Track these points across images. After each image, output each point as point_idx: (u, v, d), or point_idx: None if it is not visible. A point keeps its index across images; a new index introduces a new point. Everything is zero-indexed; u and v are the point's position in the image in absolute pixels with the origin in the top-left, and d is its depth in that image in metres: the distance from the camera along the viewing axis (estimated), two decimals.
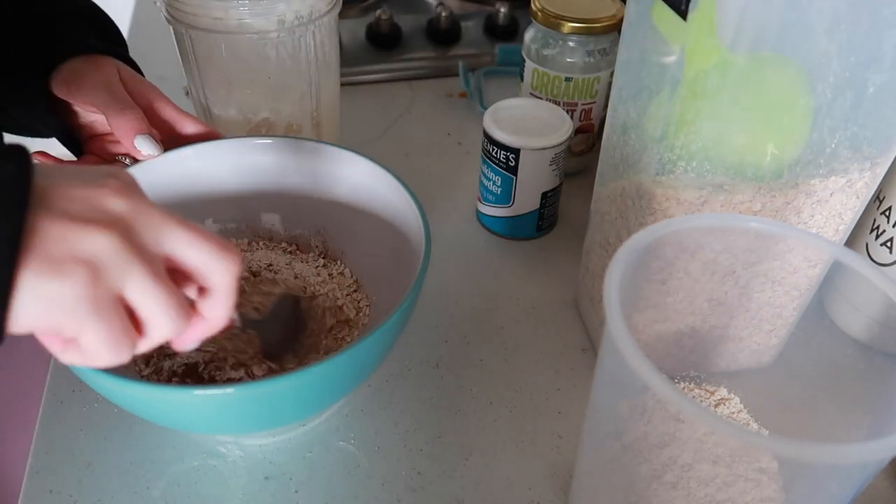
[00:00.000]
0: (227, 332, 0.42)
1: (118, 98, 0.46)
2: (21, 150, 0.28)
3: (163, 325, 0.31)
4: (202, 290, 0.32)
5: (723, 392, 0.45)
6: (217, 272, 0.32)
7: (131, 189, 0.30)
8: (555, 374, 0.51)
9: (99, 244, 0.28)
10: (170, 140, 0.49)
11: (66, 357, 0.30)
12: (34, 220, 0.27)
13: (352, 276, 0.51)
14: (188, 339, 0.33)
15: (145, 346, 0.31)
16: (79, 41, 0.48)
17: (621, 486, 0.36)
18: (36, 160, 0.31)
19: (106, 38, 0.52)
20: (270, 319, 0.45)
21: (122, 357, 0.30)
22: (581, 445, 0.39)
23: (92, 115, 0.49)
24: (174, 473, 0.44)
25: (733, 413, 0.44)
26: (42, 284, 0.27)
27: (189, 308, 0.32)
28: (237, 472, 0.44)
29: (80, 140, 0.50)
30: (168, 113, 0.49)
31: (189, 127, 0.50)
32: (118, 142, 0.50)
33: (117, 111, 0.45)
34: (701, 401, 0.45)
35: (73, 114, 0.49)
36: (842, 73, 0.35)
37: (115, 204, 0.29)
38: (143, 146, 0.46)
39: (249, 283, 0.49)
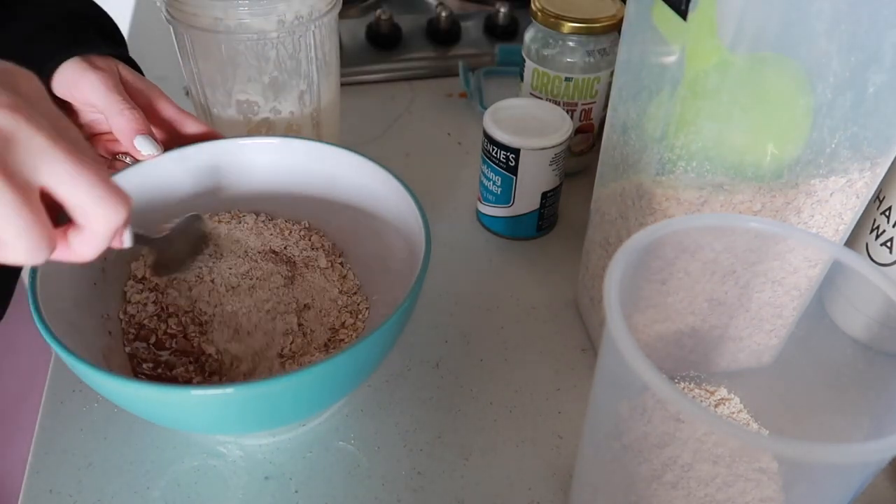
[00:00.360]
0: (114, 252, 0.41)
1: (118, 98, 0.45)
2: None
3: (17, 252, 0.29)
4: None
5: (723, 392, 0.45)
6: (96, 218, 0.30)
7: (22, 106, 0.28)
8: (555, 374, 0.51)
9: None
10: (170, 140, 0.49)
11: None
12: None
13: (354, 278, 0.51)
14: (75, 255, 0.32)
15: None
16: (79, 41, 0.48)
17: (621, 486, 0.36)
18: None
19: (106, 37, 0.52)
20: (168, 237, 0.44)
21: None
22: (581, 445, 0.39)
23: (92, 115, 0.49)
24: (174, 473, 0.44)
25: (733, 413, 0.44)
26: None
27: (53, 238, 0.30)
28: (237, 472, 0.44)
29: None
30: (168, 112, 0.49)
31: (189, 127, 0.50)
32: (118, 141, 0.50)
33: (117, 111, 0.45)
34: (701, 401, 0.45)
35: (73, 113, 0.49)
36: (842, 73, 0.35)
37: None
38: (143, 146, 0.46)
39: None
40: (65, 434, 0.45)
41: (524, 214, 0.60)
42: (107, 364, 0.42)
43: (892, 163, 0.40)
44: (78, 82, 0.46)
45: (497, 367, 0.51)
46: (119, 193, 0.31)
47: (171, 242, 0.44)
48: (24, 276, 0.66)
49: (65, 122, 0.31)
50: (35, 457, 0.44)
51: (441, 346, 0.52)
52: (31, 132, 0.28)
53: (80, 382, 0.47)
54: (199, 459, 0.44)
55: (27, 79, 0.30)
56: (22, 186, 0.28)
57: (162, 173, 0.48)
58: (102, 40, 0.50)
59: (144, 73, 0.51)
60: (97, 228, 0.31)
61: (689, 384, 0.46)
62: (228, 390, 0.34)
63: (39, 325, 0.37)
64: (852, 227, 0.43)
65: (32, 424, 0.46)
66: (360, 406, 0.48)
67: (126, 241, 0.36)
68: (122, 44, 0.53)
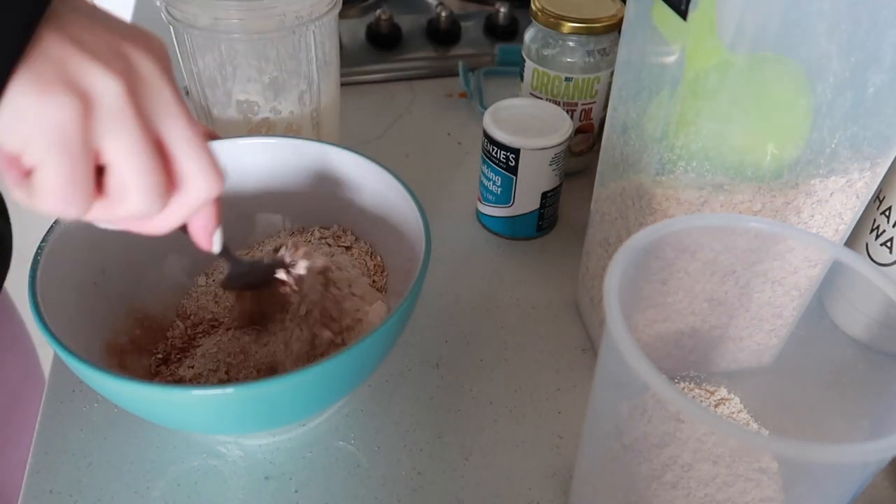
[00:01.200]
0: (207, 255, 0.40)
1: None
2: None
3: (134, 199, 0.28)
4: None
5: (723, 392, 0.45)
6: (195, 186, 0.30)
7: (160, 54, 0.28)
8: (555, 374, 0.51)
9: (100, 83, 0.26)
10: None
11: (16, 193, 0.27)
12: (40, 36, 0.25)
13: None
14: (153, 225, 0.31)
15: (102, 213, 0.29)
16: None
17: (621, 486, 0.36)
18: None
19: None
20: (252, 264, 0.43)
21: (71, 208, 0.27)
22: (581, 445, 0.39)
23: None
24: (174, 473, 0.44)
25: (733, 413, 0.44)
26: (25, 99, 0.25)
27: (169, 191, 0.29)
28: (237, 472, 0.44)
29: None
30: None
31: None
32: None
33: None
34: (701, 401, 0.45)
35: None
36: (842, 73, 0.35)
37: (139, 60, 0.27)
38: None
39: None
40: (65, 434, 0.45)
41: (524, 214, 0.60)
42: (107, 364, 0.42)
43: (892, 163, 0.40)
44: None
45: (497, 367, 0.51)
46: (220, 169, 0.30)
47: (253, 269, 0.43)
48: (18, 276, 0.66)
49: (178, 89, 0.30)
50: (35, 457, 0.44)
51: (441, 346, 0.52)
52: (163, 83, 0.28)
53: (80, 382, 0.47)
54: (199, 459, 0.44)
55: (160, 43, 0.30)
56: (146, 126, 0.28)
57: None
58: None
59: None
60: (192, 195, 0.30)
61: (689, 384, 0.46)
62: (228, 390, 0.34)
63: (39, 325, 0.37)
64: (852, 227, 0.43)
65: (32, 424, 0.46)
66: (360, 406, 0.48)
67: (216, 244, 0.35)
68: None
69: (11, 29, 0.24)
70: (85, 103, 0.26)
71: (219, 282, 0.46)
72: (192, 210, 0.31)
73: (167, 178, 0.29)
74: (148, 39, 0.29)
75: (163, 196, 0.29)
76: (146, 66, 0.28)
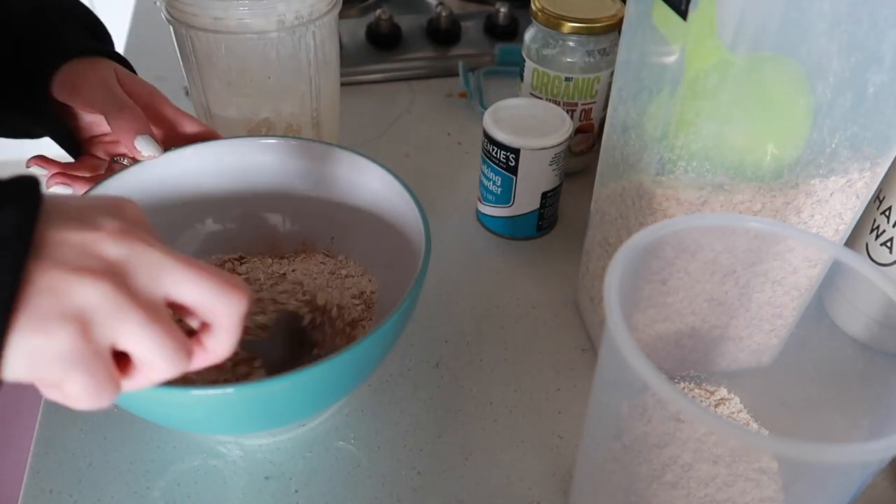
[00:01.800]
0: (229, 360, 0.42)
1: (117, 99, 0.45)
2: (29, 188, 0.27)
3: (160, 368, 0.30)
4: (205, 324, 0.31)
5: (723, 392, 0.45)
6: (221, 311, 0.31)
7: (130, 230, 0.29)
8: (555, 374, 0.51)
9: (90, 296, 0.27)
10: (169, 140, 0.49)
11: (50, 396, 0.29)
12: (29, 271, 0.26)
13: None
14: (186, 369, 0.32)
15: (139, 383, 0.30)
16: (75, 43, 0.47)
17: (621, 486, 0.36)
18: (34, 170, 0.30)
19: (97, 37, 0.52)
20: (272, 339, 0.45)
21: (104, 402, 0.29)
22: (581, 445, 0.39)
23: (90, 116, 0.49)
24: (174, 473, 0.44)
25: (733, 413, 0.44)
26: (29, 341, 0.26)
27: (189, 346, 0.31)
28: (237, 472, 0.44)
29: (78, 141, 0.50)
30: (167, 112, 0.49)
31: (188, 126, 0.50)
32: (117, 142, 0.50)
33: (116, 111, 0.45)
34: (701, 401, 0.45)
35: (72, 115, 0.49)
36: (842, 73, 0.35)
37: (111, 249, 0.28)
38: (143, 146, 0.45)
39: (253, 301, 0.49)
40: (65, 434, 0.45)
41: (524, 214, 0.60)
42: None
43: (892, 163, 0.40)
44: (77, 85, 0.46)
45: (497, 367, 0.51)
46: (236, 283, 0.31)
47: (275, 345, 0.45)
48: None
49: (159, 243, 0.31)
50: (35, 457, 0.44)
51: (441, 346, 0.52)
52: (143, 250, 0.29)
53: None
54: (199, 459, 0.44)
55: (130, 205, 0.31)
56: (148, 304, 0.29)
57: (160, 174, 0.48)
58: (95, 41, 0.50)
59: (144, 73, 0.51)
60: (225, 322, 0.31)
61: (689, 384, 0.46)
62: (228, 390, 0.34)
63: None
64: (852, 227, 0.43)
65: (32, 424, 0.46)
66: (360, 406, 0.48)
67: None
68: (111, 42, 0.53)
69: (3, 279, 0.25)
70: (82, 323, 0.27)
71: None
72: (235, 330, 0.31)
73: (184, 336, 0.30)
74: (114, 217, 0.29)
75: (186, 353, 0.30)
76: (123, 252, 0.28)
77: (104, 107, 0.45)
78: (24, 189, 0.27)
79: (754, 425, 0.43)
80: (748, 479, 0.34)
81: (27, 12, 0.48)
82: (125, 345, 0.29)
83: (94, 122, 0.49)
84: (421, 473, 0.44)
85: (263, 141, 0.50)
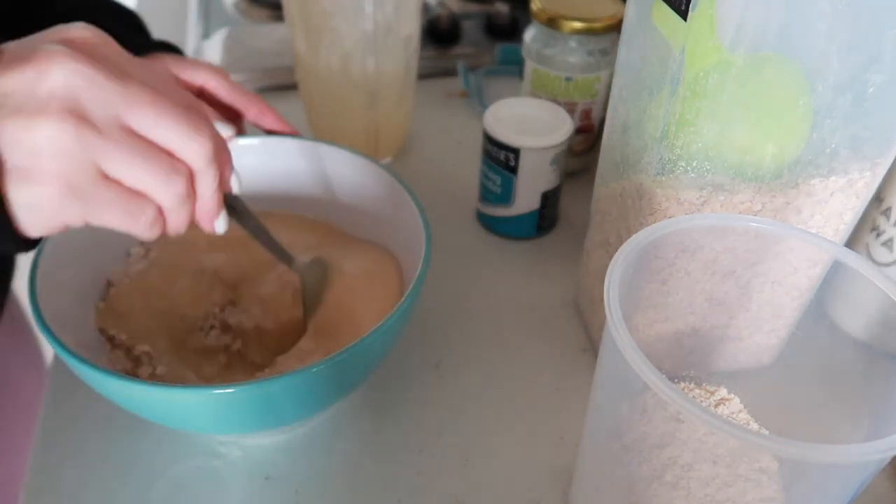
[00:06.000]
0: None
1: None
2: None
3: (158, 189, 0.29)
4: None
5: (723, 392, 0.45)
6: (188, 154, 0.30)
7: (75, 57, 0.28)
8: (555, 374, 0.51)
9: (54, 139, 0.27)
10: (236, 122, 0.50)
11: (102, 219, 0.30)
12: None
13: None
14: (200, 215, 0.33)
15: (156, 209, 0.31)
16: (125, 43, 0.47)
17: (621, 486, 0.36)
18: None
19: (140, 31, 0.51)
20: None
21: (142, 224, 0.30)
22: (581, 445, 0.39)
23: None
24: (174, 473, 0.44)
25: (733, 413, 0.44)
26: (25, 193, 0.26)
27: (176, 164, 0.30)
28: (237, 472, 0.44)
29: None
30: (221, 96, 0.49)
31: (251, 109, 0.49)
32: None
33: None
34: (701, 401, 0.45)
35: None
36: (842, 73, 0.35)
37: (55, 83, 0.27)
38: (220, 131, 0.46)
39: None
40: (65, 434, 0.45)
41: (524, 214, 0.60)
42: (108, 363, 0.42)
43: (892, 163, 0.40)
44: None
45: (497, 367, 0.51)
46: (198, 122, 0.31)
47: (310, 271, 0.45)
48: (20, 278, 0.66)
49: (124, 55, 0.30)
50: (35, 457, 0.44)
51: (441, 346, 0.52)
52: (93, 81, 0.28)
53: (80, 383, 0.47)
54: (199, 459, 0.44)
55: (79, 28, 0.30)
56: (116, 136, 0.28)
57: None
58: (140, 35, 0.50)
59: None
60: (195, 162, 0.31)
61: (689, 384, 0.45)
62: (229, 390, 0.34)
63: (39, 324, 0.37)
64: (852, 227, 0.43)
65: (32, 424, 0.46)
66: (360, 406, 0.48)
67: (234, 185, 0.36)
68: (148, 32, 0.53)
69: None
70: (60, 163, 0.27)
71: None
72: (207, 169, 0.31)
73: (166, 156, 0.30)
74: (65, 32, 0.29)
75: (175, 168, 0.30)
76: (70, 85, 0.27)
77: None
78: None
79: (754, 425, 0.43)
80: (748, 479, 0.34)
81: (64, 13, 0.48)
82: (113, 174, 0.28)
83: None
84: (421, 473, 0.44)
85: (263, 141, 0.50)
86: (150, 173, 0.29)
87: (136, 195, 0.30)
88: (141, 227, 0.30)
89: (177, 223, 0.32)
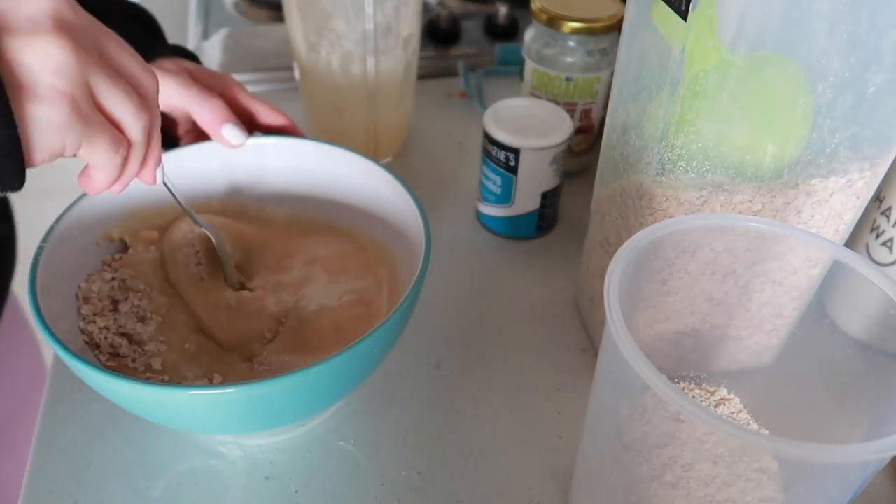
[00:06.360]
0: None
1: (197, 93, 0.46)
2: None
3: (132, 120, 0.32)
4: None
5: (723, 392, 0.45)
6: (146, 91, 0.33)
7: (64, 31, 0.29)
8: (555, 374, 0.51)
9: (54, 55, 0.28)
10: (249, 127, 0.50)
11: (83, 182, 0.32)
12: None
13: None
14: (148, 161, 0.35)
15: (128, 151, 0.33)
16: (142, 48, 0.48)
17: (621, 486, 0.36)
18: None
19: (156, 35, 0.52)
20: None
21: (118, 158, 0.31)
22: (581, 445, 0.39)
23: (169, 117, 0.50)
24: (174, 473, 0.44)
25: (733, 413, 0.44)
26: (38, 110, 0.28)
27: (144, 99, 0.33)
28: (237, 472, 0.44)
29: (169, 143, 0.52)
30: (241, 100, 0.50)
31: (264, 115, 0.51)
32: (199, 137, 0.50)
33: (199, 106, 0.46)
34: (701, 401, 0.45)
35: None
36: (842, 73, 0.35)
37: (42, 2, 0.28)
38: (231, 134, 0.46)
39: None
40: (65, 434, 0.45)
41: (524, 214, 0.60)
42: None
43: (892, 163, 0.40)
44: None
45: (497, 367, 0.51)
46: (145, 97, 0.33)
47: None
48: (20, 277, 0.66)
49: (99, 27, 0.32)
50: (35, 457, 0.44)
51: (441, 346, 0.52)
52: (77, 8, 0.30)
53: (80, 383, 0.47)
54: (199, 459, 0.44)
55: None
56: (100, 58, 0.30)
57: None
58: (157, 40, 0.50)
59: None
60: (150, 98, 0.33)
61: (689, 384, 0.45)
62: (229, 390, 0.34)
63: (39, 324, 0.37)
64: (852, 227, 0.43)
65: (32, 424, 0.46)
66: (360, 406, 0.48)
67: (158, 177, 0.38)
68: (164, 36, 0.53)
69: None
70: (64, 84, 0.28)
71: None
72: (140, 145, 0.34)
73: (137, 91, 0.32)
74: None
75: (145, 108, 0.32)
76: (63, 5, 0.29)
77: (187, 104, 0.46)
78: None
79: (754, 425, 0.43)
80: (748, 479, 0.34)
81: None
82: (100, 98, 0.30)
83: (174, 122, 0.50)
84: (421, 473, 0.44)
85: (264, 141, 0.51)
86: (128, 103, 0.31)
87: (116, 125, 0.31)
88: (116, 162, 0.32)
89: (133, 167, 0.34)
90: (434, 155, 0.71)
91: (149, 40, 0.49)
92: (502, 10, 0.85)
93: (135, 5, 0.53)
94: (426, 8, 0.89)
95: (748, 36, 0.33)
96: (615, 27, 0.60)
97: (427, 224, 0.44)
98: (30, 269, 0.40)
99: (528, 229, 0.61)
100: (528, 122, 0.58)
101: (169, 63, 0.48)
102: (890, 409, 0.32)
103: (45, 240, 0.41)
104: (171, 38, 0.56)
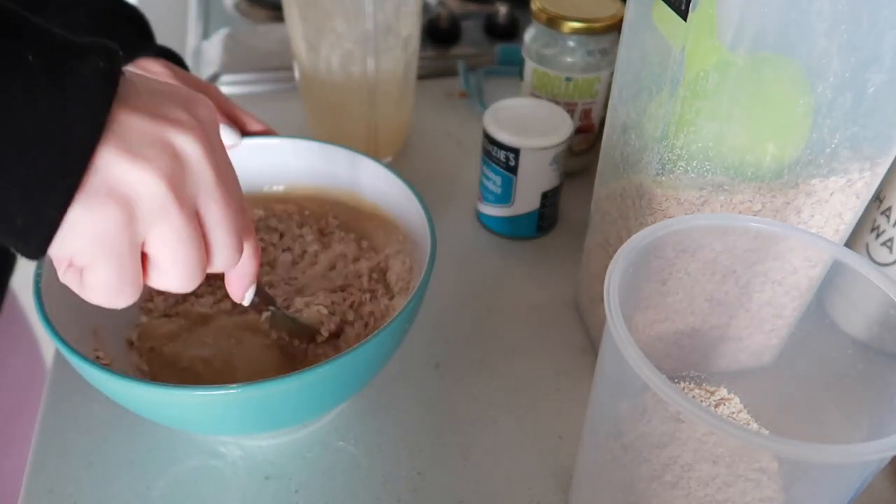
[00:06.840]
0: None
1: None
2: (111, 49, 0.26)
3: (173, 279, 0.30)
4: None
5: (723, 392, 0.45)
6: (217, 259, 0.31)
7: (198, 128, 0.29)
8: (555, 374, 0.51)
9: (143, 186, 0.27)
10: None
11: (66, 279, 0.29)
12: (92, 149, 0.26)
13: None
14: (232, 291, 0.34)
15: (139, 291, 0.30)
16: (127, 46, 0.47)
17: (621, 486, 0.36)
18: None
19: (144, 35, 0.52)
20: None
21: (119, 301, 0.29)
22: (581, 445, 0.39)
23: None
24: (174, 473, 0.44)
25: (733, 413, 0.44)
26: (72, 214, 0.26)
27: (203, 268, 0.31)
28: (237, 472, 0.44)
29: None
30: (226, 108, 0.50)
31: (250, 124, 0.50)
32: None
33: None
34: (701, 401, 0.45)
35: None
36: (842, 73, 0.35)
37: (181, 141, 0.28)
38: (224, 135, 0.46)
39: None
40: (65, 434, 0.45)
41: (524, 214, 0.60)
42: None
43: (892, 163, 0.40)
44: None
45: (497, 367, 0.51)
46: (241, 246, 0.32)
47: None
48: (25, 277, 0.66)
49: (225, 156, 0.31)
50: (35, 457, 0.44)
51: (441, 346, 0.52)
52: (205, 164, 0.29)
53: (80, 382, 0.47)
54: (199, 459, 0.44)
55: (205, 105, 0.31)
56: (189, 213, 0.28)
57: None
58: (144, 40, 0.50)
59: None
60: (215, 266, 0.32)
61: (689, 384, 0.45)
62: (231, 390, 0.34)
63: (43, 322, 0.37)
64: (852, 227, 0.43)
65: (32, 424, 0.46)
66: (360, 406, 0.48)
67: (247, 299, 0.37)
68: (152, 36, 0.53)
69: (71, 154, 0.25)
70: (128, 208, 0.27)
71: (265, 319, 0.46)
72: (198, 274, 0.32)
73: (205, 257, 0.30)
74: (195, 105, 0.29)
75: (198, 276, 0.30)
76: (190, 149, 0.28)
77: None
78: (107, 48, 0.26)
79: (754, 425, 0.43)
80: (748, 479, 0.34)
81: (69, 6, 0.48)
82: (153, 246, 0.28)
83: None
84: (421, 473, 0.44)
85: (264, 141, 0.50)
86: (183, 263, 0.29)
87: (139, 279, 0.29)
88: (111, 301, 0.29)
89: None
90: (434, 155, 0.71)
91: (134, 40, 0.49)
92: (502, 10, 0.85)
93: (127, 5, 0.52)
94: (426, 8, 0.89)
95: (748, 36, 0.33)
96: (615, 27, 0.60)
97: (432, 223, 0.44)
98: (35, 267, 0.39)
99: (528, 229, 0.61)
100: (528, 122, 0.58)
101: (153, 64, 0.47)
102: (890, 409, 0.32)
103: None
104: (171, 38, 0.56)
